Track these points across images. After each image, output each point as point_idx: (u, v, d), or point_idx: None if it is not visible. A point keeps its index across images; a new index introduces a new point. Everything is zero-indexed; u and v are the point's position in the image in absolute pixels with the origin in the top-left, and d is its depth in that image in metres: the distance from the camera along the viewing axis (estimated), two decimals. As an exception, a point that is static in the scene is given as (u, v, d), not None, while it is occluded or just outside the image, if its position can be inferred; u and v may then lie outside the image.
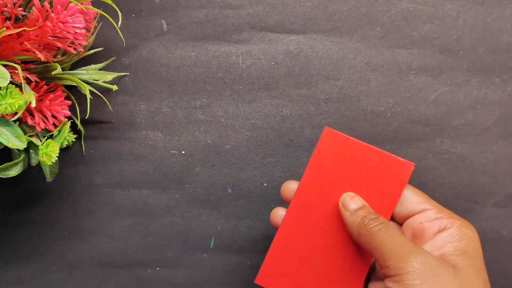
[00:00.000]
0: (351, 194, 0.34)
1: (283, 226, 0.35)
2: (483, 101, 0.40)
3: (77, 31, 0.32)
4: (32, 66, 0.36)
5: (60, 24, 0.32)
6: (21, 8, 0.33)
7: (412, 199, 0.34)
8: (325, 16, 0.40)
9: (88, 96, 0.36)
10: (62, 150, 0.41)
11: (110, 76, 0.39)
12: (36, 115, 0.35)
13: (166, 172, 0.42)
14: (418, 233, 0.33)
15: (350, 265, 0.34)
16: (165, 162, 0.42)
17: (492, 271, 0.41)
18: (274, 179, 0.41)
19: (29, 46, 0.32)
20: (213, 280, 0.42)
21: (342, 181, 0.35)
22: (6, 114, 0.31)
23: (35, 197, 0.42)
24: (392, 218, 0.36)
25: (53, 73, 0.34)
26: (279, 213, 0.37)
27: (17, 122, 0.33)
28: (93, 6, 0.34)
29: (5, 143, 0.31)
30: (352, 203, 0.34)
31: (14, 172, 0.34)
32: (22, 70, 0.34)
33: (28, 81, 0.35)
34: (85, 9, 0.33)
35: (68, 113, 0.36)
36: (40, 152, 0.34)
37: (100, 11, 0.35)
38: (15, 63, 0.33)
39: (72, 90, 0.39)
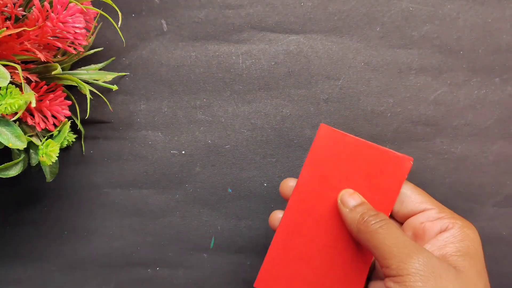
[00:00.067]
0: (350, 190, 0.34)
1: (281, 227, 0.35)
2: (483, 101, 0.40)
3: (77, 31, 0.32)
4: (32, 66, 0.36)
5: (60, 24, 0.32)
6: (21, 8, 0.33)
7: (413, 198, 0.34)
8: (325, 16, 0.40)
9: (88, 96, 0.36)
10: (62, 150, 0.41)
11: (110, 76, 0.39)
12: (36, 115, 0.35)
13: (166, 172, 0.42)
14: (419, 233, 0.33)
15: (351, 264, 0.34)
16: (165, 162, 0.42)
17: (492, 271, 0.41)
18: (274, 179, 0.41)
19: (29, 46, 0.32)
20: (213, 280, 0.42)
21: (340, 178, 0.34)
22: (6, 114, 0.31)
23: (35, 197, 0.42)
24: (393, 217, 0.35)
25: (53, 73, 0.34)
26: (277, 217, 0.36)
27: (17, 122, 0.33)
28: (93, 6, 0.34)
29: (5, 143, 0.31)
30: (351, 199, 0.33)
31: (14, 172, 0.34)
32: (22, 70, 0.34)
33: (28, 81, 0.35)
34: (85, 9, 0.33)
35: (68, 113, 0.36)
36: (40, 152, 0.34)
37: (100, 11, 0.34)
38: (15, 63, 0.33)
39: (72, 90, 0.39)
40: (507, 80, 0.40)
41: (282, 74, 0.41)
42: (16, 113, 0.31)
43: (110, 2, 0.34)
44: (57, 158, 0.35)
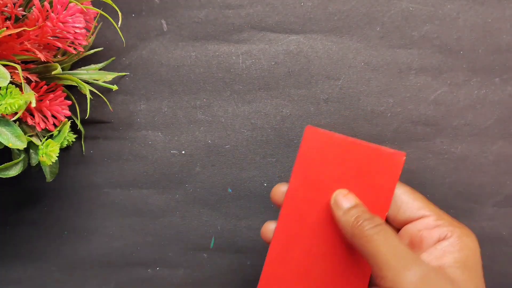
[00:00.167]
0: (344, 191, 0.32)
1: (275, 238, 0.33)
2: (483, 101, 0.40)
3: (77, 31, 0.32)
4: (32, 66, 0.36)
5: (60, 24, 0.32)
6: (21, 8, 0.33)
7: (410, 205, 0.33)
8: (325, 16, 0.40)
9: (88, 96, 0.36)
10: (62, 150, 0.41)
11: (110, 76, 0.39)
12: (36, 115, 0.35)
13: (166, 172, 0.42)
14: (416, 241, 0.32)
15: (352, 270, 0.32)
16: (165, 162, 0.42)
17: (492, 271, 0.41)
18: (274, 179, 0.41)
19: (29, 46, 0.32)
20: (213, 280, 0.42)
21: (331, 181, 0.33)
22: (6, 114, 0.31)
23: (35, 197, 0.42)
24: (390, 223, 0.34)
25: (53, 73, 0.34)
26: (270, 228, 0.34)
27: (17, 122, 0.33)
28: (93, 6, 0.34)
29: (5, 143, 0.31)
30: (345, 201, 0.32)
31: (14, 172, 0.34)
32: (22, 70, 0.34)
33: (28, 81, 0.35)
34: (85, 9, 0.33)
35: (68, 113, 0.36)
36: (40, 152, 0.34)
37: (100, 11, 0.35)
38: (15, 63, 0.33)
39: (72, 90, 0.39)
40: (507, 80, 0.40)
41: (282, 74, 0.41)
42: (16, 113, 0.31)
43: (110, 2, 0.34)
44: (57, 158, 0.35)
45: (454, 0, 0.40)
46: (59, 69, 0.34)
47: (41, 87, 0.34)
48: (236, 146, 0.41)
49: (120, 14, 0.35)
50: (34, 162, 0.36)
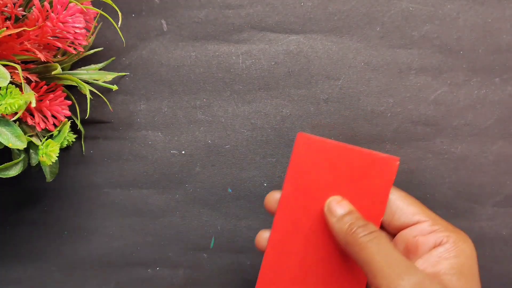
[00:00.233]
0: (338, 198, 0.32)
1: (269, 247, 0.33)
2: (483, 101, 0.40)
3: (77, 31, 0.32)
4: (32, 66, 0.36)
5: (60, 24, 0.32)
6: (21, 8, 0.33)
7: (405, 210, 0.32)
8: (325, 16, 0.40)
9: (88, 96, 0.36)
10: (62, 150, 0.41)
11: (110, 76, 0.39)
12: (36, 115, 0.35)
13: (166, 172, 0.42)
14: (412, 247, 0.31)
15: (346, 277, 0.32)
16: (165, 162, 0.42)
17: (492, 271, 0.41)
18: (274, 179, 0.41)
19: (29, 46, 0.32)
20: (213, 280, 0.42)
21: (325, 188, 0.32)
22: (6, 114, 0.31)
23: (35, 197, 0.42)
24: (385, 229, 0.34)
25: (53, 73, 0.34)
26: (264, 237, 0.34)
27: (17, 122, 0.33)
28: (93, 6, 0.34)
29: (5, 143, 0.31)
30: (339, 207, 0.31)
31: (14, 172, 0.34)
32: (22, 70, 0.34)
33: (28, 81, 0.35)
34: (85, 9, 0.33)
35: (68, 113, 0.36)
36: (40, 152, 0.34)
37: (100, 11, 0.34)
38: (15, 63, 0.33)
39: (72, 90, 0.39)
40: (507, 80, 0.40)
41: (282, 74, 0.41)
42: (16, 113, 0.31)
43: (110, 2, 0.34)
44: (57, 158, 0.35)
45: (454, 0, 0.40)
46: (59, 69, 0.34)
47: (41, 87, 0.34)
48: (236, 146, 0.41)
49: (120, 14, 0.35)
50: (34, 162, 0.36)
